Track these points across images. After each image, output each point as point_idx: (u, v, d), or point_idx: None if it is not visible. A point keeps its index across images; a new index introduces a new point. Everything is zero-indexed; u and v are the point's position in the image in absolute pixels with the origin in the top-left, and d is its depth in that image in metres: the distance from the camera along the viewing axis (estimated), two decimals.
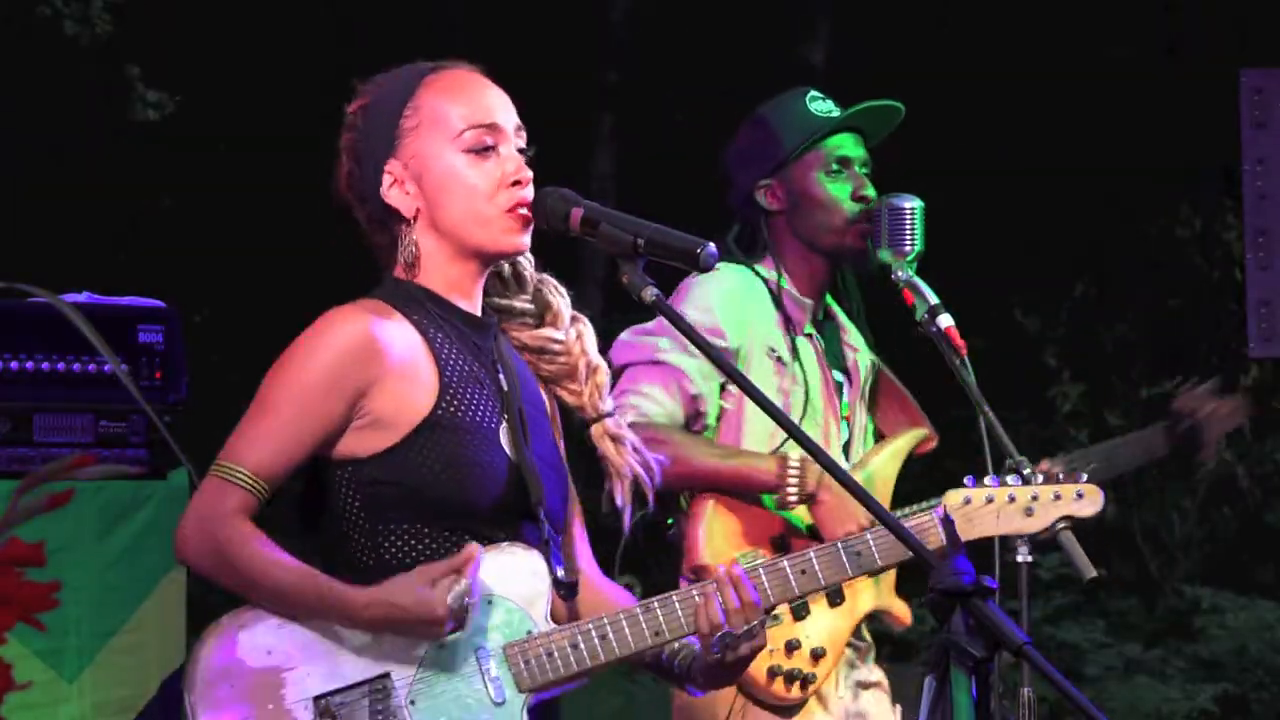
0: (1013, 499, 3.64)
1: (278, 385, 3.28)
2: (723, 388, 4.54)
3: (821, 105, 4.65)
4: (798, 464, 4.42)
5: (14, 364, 4.86)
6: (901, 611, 4.62)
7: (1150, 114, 11.67)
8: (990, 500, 3.62)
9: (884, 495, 4.56)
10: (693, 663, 3.40)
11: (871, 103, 4.65)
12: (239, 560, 3.22)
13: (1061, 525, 3.79)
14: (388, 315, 3.33)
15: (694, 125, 12.07)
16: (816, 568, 3.40)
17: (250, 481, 3.24)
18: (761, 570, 3.37)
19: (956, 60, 12.03)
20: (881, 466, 4.60)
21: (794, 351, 4.58)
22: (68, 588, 4.68)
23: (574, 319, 3.50)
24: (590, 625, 3.30)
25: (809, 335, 4.64)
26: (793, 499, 4.43)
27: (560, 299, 3.50)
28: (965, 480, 3.67)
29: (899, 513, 4.51)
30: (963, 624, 2.96)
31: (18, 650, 4.64)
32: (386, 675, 3.23)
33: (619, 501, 3.44)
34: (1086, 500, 3.73)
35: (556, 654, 3.27)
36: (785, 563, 3.39)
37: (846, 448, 4.67)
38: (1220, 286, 11.18)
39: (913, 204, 4.52)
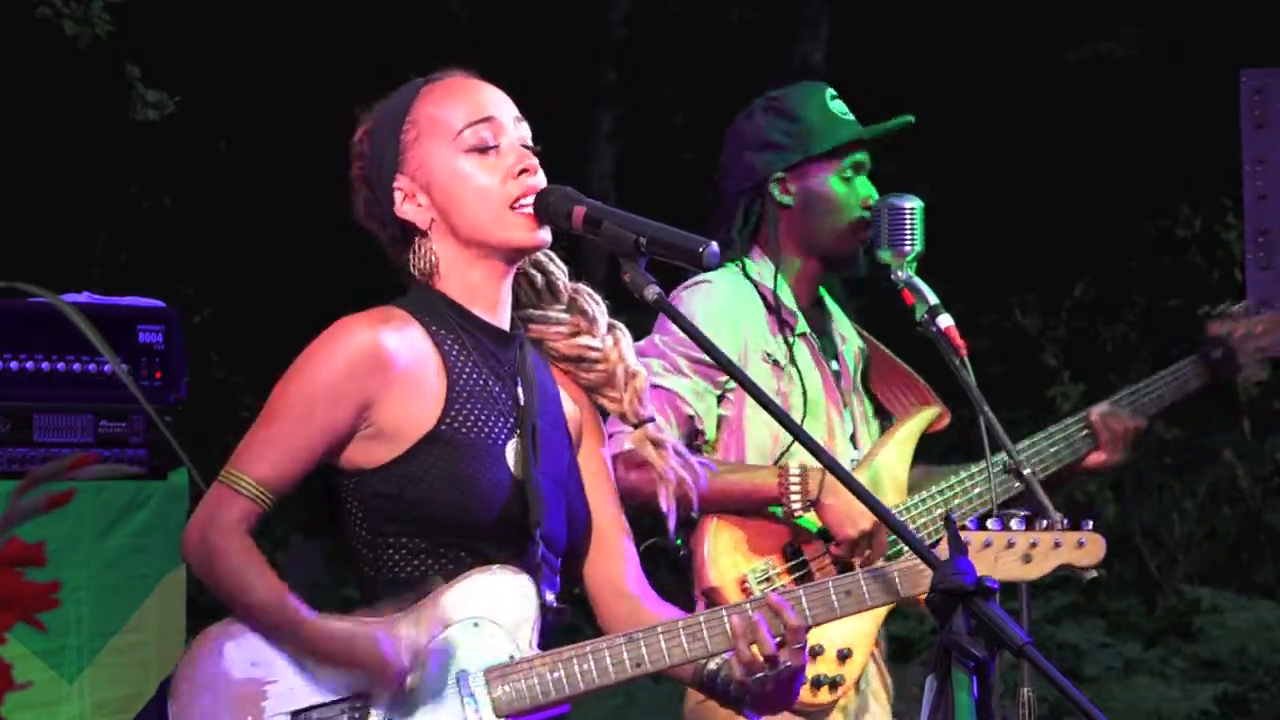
0: (1011, 544, 3.60)
1: (285, 394, 3.27)
2: (720, 397, 4.52)
3: (839, 106, 4.64)
4: (798, 473, 4.39)
5: (14, 364, 4.86)
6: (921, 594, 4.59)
7: (1150, 114, 11.68)
8: (989, 544, 3.58)
9: (895, 488, 4.53)
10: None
11: (895, 121, 4.62)
12: (222, 570, 3.22)
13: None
14: (402, 324, 3.31)
15: (694, 125, 12.08)
16: (833, 599, 3.36)
17: (254, 491, 3.23)
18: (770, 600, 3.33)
19: (956, 60, 12.04)
20: (888, 459, 4.57)
21: (790, 353, 4.57)
22: (68, 588, 4.66)
23: (610, 326, 3.49)
24: (571, 652, 3.26)
25: (802, 334, 4.62)
26: (797, 508, 4.41)
27: (595, 307, 3.48)
28: (968, 523, 3.63)
29: (901, 505, 4.51)
30: (963, 624, 2.96)
31: (18, 650, 4.60)
32: (367, 694, 3.21)
33: (663, 507, 3.43)
34: (1088, 550, 3.68)
35: (536, 680, 3.24)
36: (801, 593, 3.35)
37: (852, 439, 4.65)
38: (1220, 286, 11.18)
39: (913, 204, 4.51)
